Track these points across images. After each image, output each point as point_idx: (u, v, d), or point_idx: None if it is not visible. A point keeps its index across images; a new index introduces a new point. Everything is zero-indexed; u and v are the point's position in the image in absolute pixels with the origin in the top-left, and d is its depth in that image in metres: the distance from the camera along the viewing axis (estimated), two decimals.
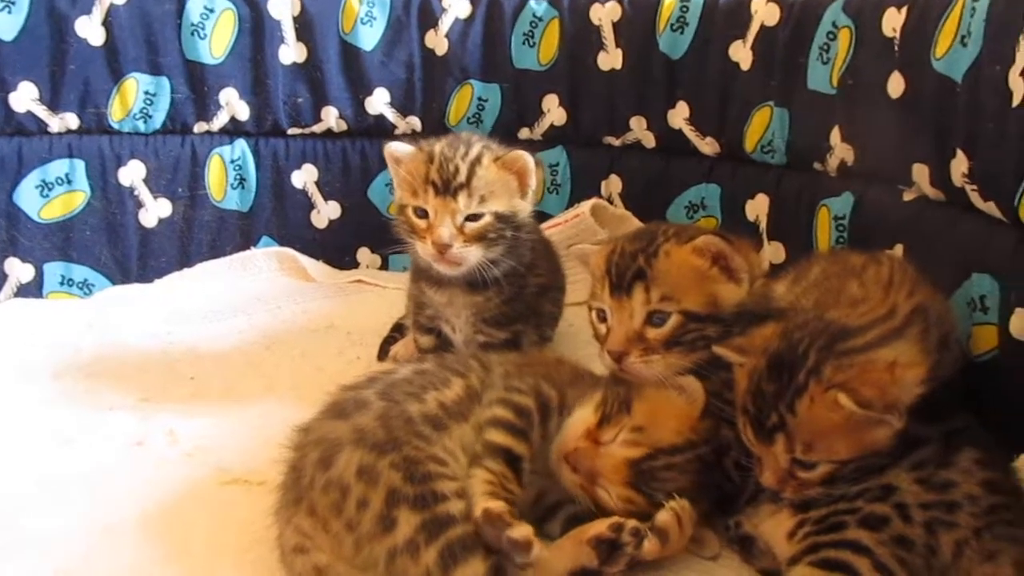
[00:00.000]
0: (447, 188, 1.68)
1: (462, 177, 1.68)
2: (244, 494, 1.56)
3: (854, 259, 1.58)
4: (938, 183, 1.69)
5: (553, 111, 2.44)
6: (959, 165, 1.61)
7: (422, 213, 1.72)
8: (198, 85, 2.38)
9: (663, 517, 1.33)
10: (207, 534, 1.47)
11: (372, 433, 1.34)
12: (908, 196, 1.80)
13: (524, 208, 1.77)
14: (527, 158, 1.73)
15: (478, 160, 1.71)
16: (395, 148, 1.77)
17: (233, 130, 2.46)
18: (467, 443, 1.38)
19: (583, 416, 1.42)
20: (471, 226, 1.70)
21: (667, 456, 1.38)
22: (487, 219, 1.70)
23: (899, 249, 1.78)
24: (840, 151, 1.95)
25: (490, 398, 1.42)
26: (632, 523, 1.31)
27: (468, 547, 1.23)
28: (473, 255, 1.71)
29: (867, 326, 1.32)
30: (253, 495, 1.53)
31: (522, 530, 1.25)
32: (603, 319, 1.52)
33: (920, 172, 1.73)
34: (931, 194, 1.73)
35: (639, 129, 2.36)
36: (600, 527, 1.31)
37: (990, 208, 1.56)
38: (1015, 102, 1.44)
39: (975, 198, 1.59)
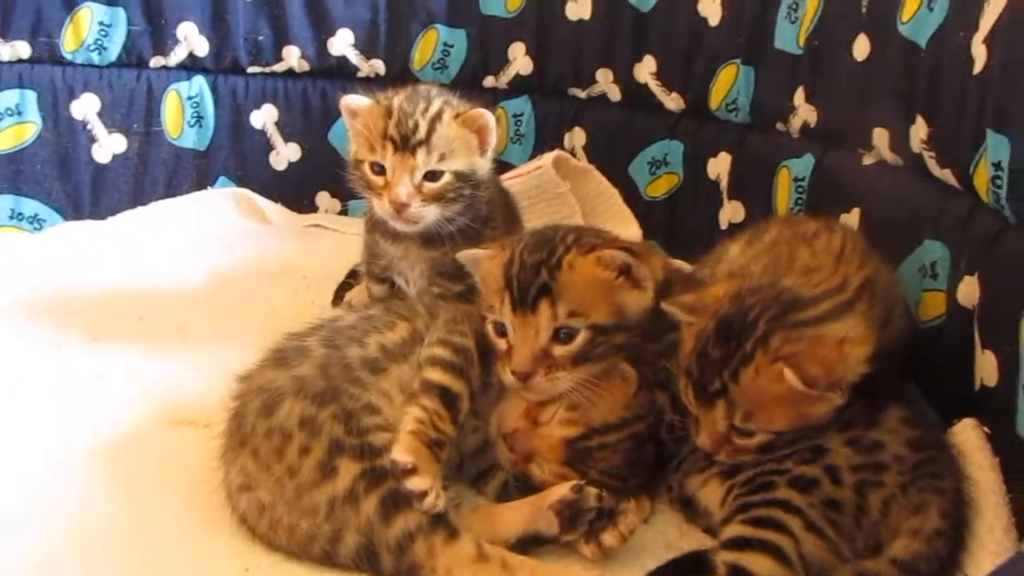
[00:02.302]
0: (406, 144, 1.65)
1: (421, 133, 1.65)
2: (190, 435, 1.56)
3: (807, 225, 1.58)
4: (897, 148, 1.69)
5: (519, 60, 2.40)
6: (918, 131, 1.61)
7: (379, 169, 1.69)
8: (155, 17, 2.32)
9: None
10: (149, 474, 1.48)
11: (312, 383, 1.34)
12: (867, 160, 1.80)
13: (483, 166, 1.75)
14: (488, 116, 1.70)
15: (438, 116, 1.68)
16: (351, 101, 1.73)
17: (191, 66, 2.40)
18: (405, 382, 1.38)
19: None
20: (429, 186, 1.67)
21: (601, 435, 1.38)
22: (446, 178, 1.68)
23: (856, 212, 1.78)
24: (803, 112, 1.94)
25: (432, 338, 1.41)
26: (593, 489, 1.31)
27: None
28: (431, 213, 1.69)
29: (819, 297, 1.32)
30: (198, 437, 1.53)
31: (420, 482, 1.23)
32: (502, 334, 1.41)
33: (880, 136, 1.73)
34: (890, 159, 1.73)
35: (605, 82, 2.33)
36: (562, 491, 1.31)
37: (946, 176, 1.56)
38: (976, 70, 1.43)
39: (932, 165, 1.59)
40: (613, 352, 1.40)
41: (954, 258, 1.52)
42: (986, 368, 1.39)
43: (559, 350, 1.37)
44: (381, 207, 1.69)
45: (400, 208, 1.66)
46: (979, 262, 1.45)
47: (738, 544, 1.23)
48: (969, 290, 1.47)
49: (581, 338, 1.37)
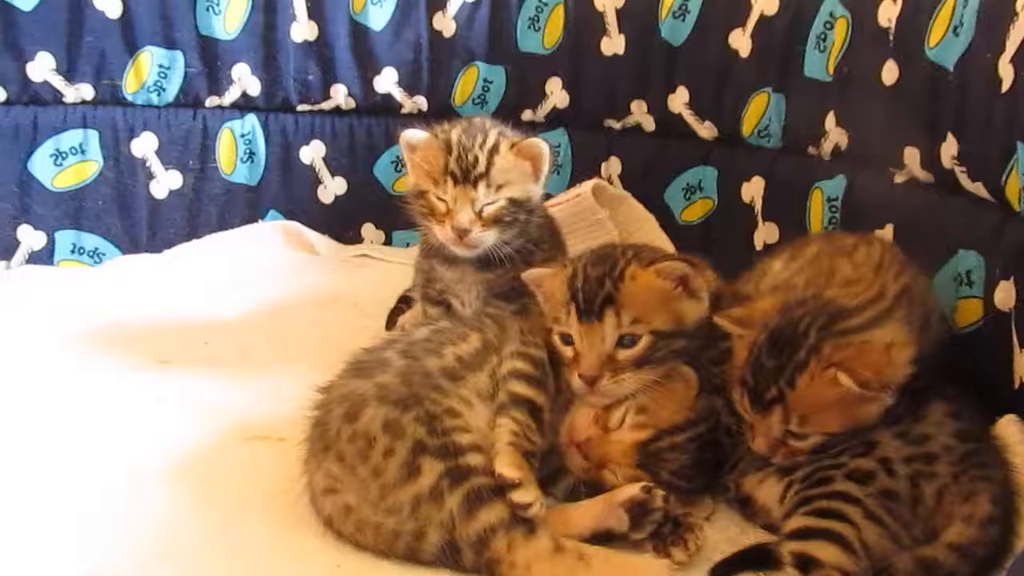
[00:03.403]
0: (467, 178, 1.74)
1: (481, 167, 1.74)
2: (266, 449, 1.63)
3: (846, 240, 1.66)
4: (928, 165, 1.78)
5: (556, 94, 2.51)
6: (949, 148, 1.70)
7: (441, 199, 1.77)
8: (211, 60, 2.44)
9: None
10: (232, 485, 1.53)
11: (395, 390, 1.41)
12: (899, 178, 1.89)
13: (537, 192, 1.84)
14: (542, 146, 1.79)
15: (495, 149, 1.76)
16: (410, 136, 1.82)
17: (244, 105, 2.52)
18: (482, 389, 1.46)
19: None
20: (488, 210, 1.76)
21: (670, 436, 1.45)
22: (503, 203, 1.76)
23: (889, 229, 1.87)
24: (834, 135, 2.04)
25: (508, 351, 1.49)
26: (661, 491, 1.38)
27: (492, 491, 1.31)
28: (490, 238, 1.77)
29: (861, 307, 1.40)
30: (275, 450, 1.60)
31: (525, 494, 1.31)
32: (568, 342, 1.51)
33: (911, 155, 1.82)
34: (921, 176, 1.82)
35: (639, 112, 2.43)
36: (632, 490, 1.38)
37: (977, 188, 1.65)
38: (1004, 88, 1.53)
39: (963, 179, 1.68)
40: (672, 356, 1.49)
41: (988, 266, 1.61)
42: None
43: (623, 354, 1.47)
44: (443, 234, 1.78)
45: (462, 234, 1.75)
46: (1014, 268, 1.53)
47: (803, 534, 1.29)
48: (1005, 294, 1.55)
49: (643, 343, 1.47)
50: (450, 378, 1.45)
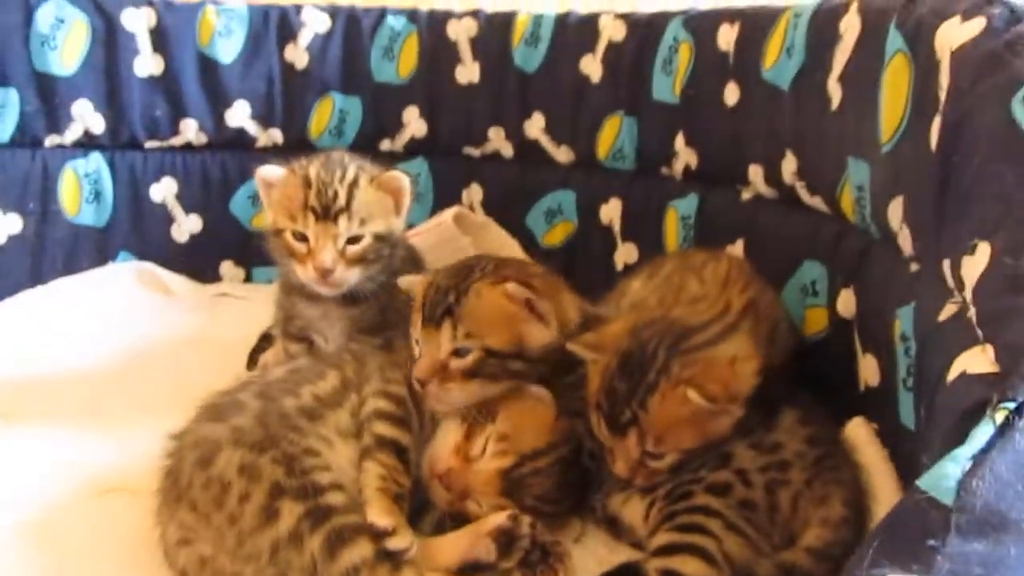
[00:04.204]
0: (327, 213, 1.71)
1: (342, 201, 1.71)
2: (119, 502, 1.54)
3: (697, 257, 1.71)
4: (771, 182, 1.86)
5: (413, 123, 2.50)
6: (789, 164, 1.78)
7: (301, 237, 1.73)
8: (49, 97, 2.32)
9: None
10: (85, 543, 1.45)
11: (250, 432, 1.37)
12: (746, 195, 1.96)
13: (399, 226, 1.82)
14: (403, 179, 1.77)
15: (355, 183, 1.73)
16: (267, 173, 1.77)
17: (87, 143, 2.41)
18: (342, 427, 1.43)
19: (450, 429, 1.48)
20: (352, 249, 1.73)
21: (532, 461, 1.45)
22: (367, 241, 1.74)
23: (740, 244, 1.94)
24: (684, 155, 2.10)
25: (370, 389, 1.47)
26: (527, 517, 1.37)
27: (354, 531, 1.27)
28: (353, 276, 1.74)
29: (706, 323, 1.43)
30: (129, 503, 1.51)
31: (400, 541, 1.30)
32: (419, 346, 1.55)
33: (755, 172, 1.89)
34: (765, 192, 1.90)
35: (497, 139, 2.45)
36: (499, 519, 1.37)
37: (816, 202, 1.73)
38: (834, 106, 1.61)
39: (803, 194, 1.76)
40: (509, 376, 1.50)
41: (831, 275, 1.68)
42: (868, 370, 1.54)
43: (455, 364, 1.48)
44: (305, 273, 1.73)
45: (325, 274, 1.71)
46: (853, 276, 1.60)
47: (667, 550, 1.31)
48: (847, 302, 1.62)
49: (473, 356, 1.48)
50: (308, 417, 1.41)
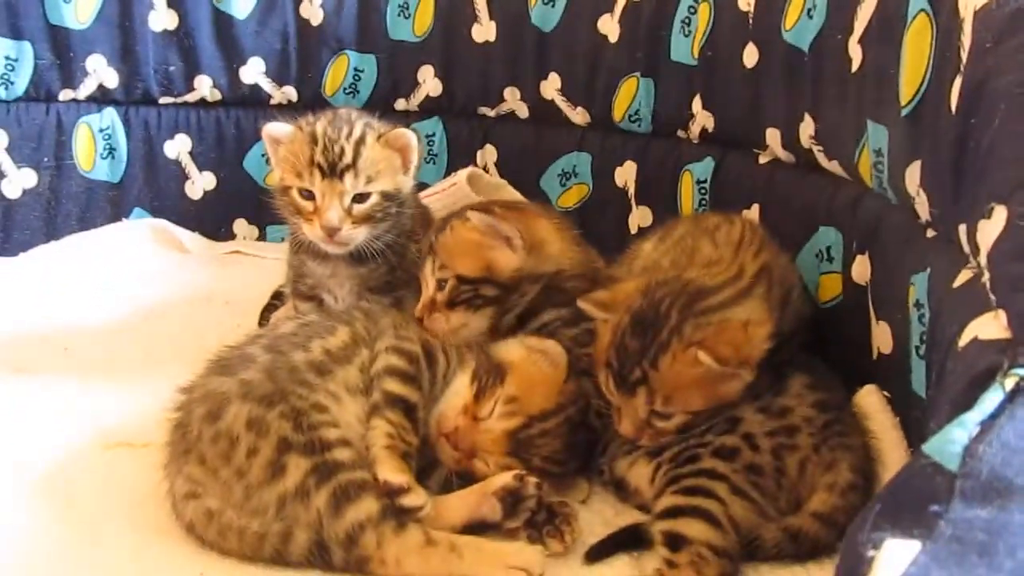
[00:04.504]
0: (333, 170, 1.69)
1: (348, 158, 1.69)
2: (129, 456, 1.56)
3: (710, 220, 1.69)
4: (788, 145, 1.83)
5: (428, 82, 2.48)
6: (807, 128, 1.75)
7: (308, 195, 1.72)
8: (63, 51, 2.32)
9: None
10: (93, 496, 1.46)
11: (259, 386, 1.36)
12: (763, 159, 1.94)
13: (407, 184, 1.80)
14: (410, 136, 1.76)
15: (362, 140, 1.72)
16: (273, 129, 1.76)
17: (101, 98, 2.41)
18: (351, 383, 1.42)
19: (459, 390, 1.47)
20: (359, 208, 1.72)
21: (540, 422, 1.44)
22: (374, 199, 1.72)
23: (755, 209, 1.91)
24: (701, 118, 2.07)
25: (382, 345, 1.46)
26: (533, 478, 1.37)
27: (360, 487, 1.28)
28: (361, 235, 1.73)
29: (720, 286, 1.42)
30: (138, 457, 1.53)
31: (415, 498, 1.30)
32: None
33: (773, 136, 1.86)
34: (782, 156, 1.87)
35: (513, 100, 2.43)
36: (505, 479, 1.37)
37: (834, 166, 1.70)
38: (854, 68, 1.57)
39: (821, 158, 1.73)
40: (487, 303, 1.62)
41: (846, 241, 1.66)
42: (881, 337, 1.52)
43: (438, 296, 1.64)
44: (312, 231, 1.72)
45: (332, 232, 1.70)
46: (868, 242, 1.58)
47: (672, 513, 1.31)
48: (861, 269, 1.60)
49: (448, 285, 1.63)
50: (317, 372, 1.41)
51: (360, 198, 1.72)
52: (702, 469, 1.35)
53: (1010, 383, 0.78)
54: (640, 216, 2.25)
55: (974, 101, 1.10)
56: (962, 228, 1.10)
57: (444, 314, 1.61)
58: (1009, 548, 0.64)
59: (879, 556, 0.66)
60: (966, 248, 1.10)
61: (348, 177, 1.70)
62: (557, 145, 2.39)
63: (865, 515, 0.73)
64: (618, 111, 2.25)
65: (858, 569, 0.66)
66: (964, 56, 1.15)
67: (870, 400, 1.49)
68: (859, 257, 1.60)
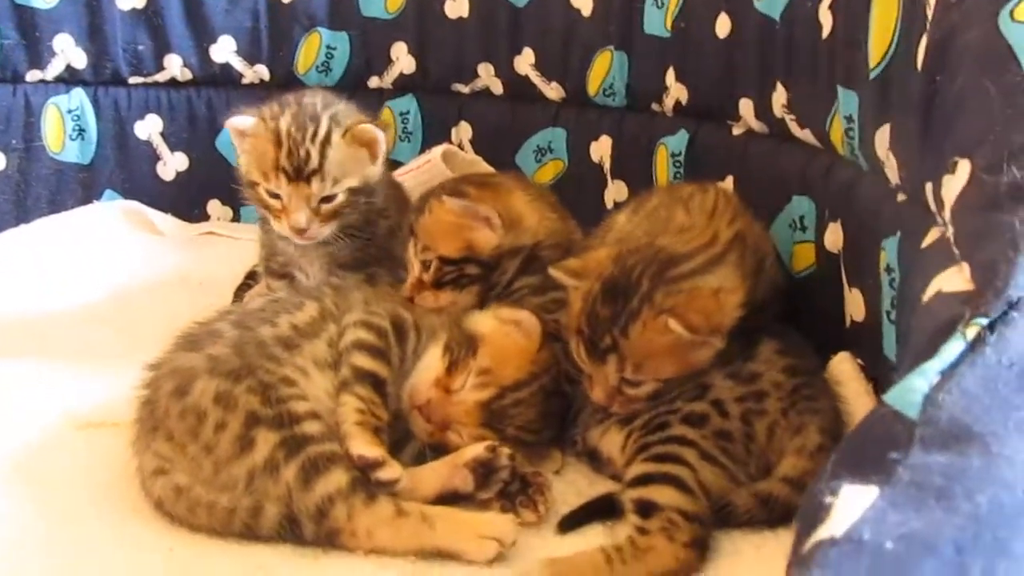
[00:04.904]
0: (299, 174, 1.67)
1: (314, 163, 1.67)
2: (100, 436, 1.54)
3: (684, 189, 1.68)
4: (761, 115, 1.82)
5: (402, 59, 2.45)
6: (779, 97, 1.74)
7: (275, 195, 1.71)
8: (29, 31, 2.28)
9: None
10: (62, 476, 1.45)
11: (226, 361, 1.36)
12: (736, 130, 1.93)
13: (376, 173, 1.78)
14: (376, 132, 1.73)
15: (327, 140, 1.69)
16: (238, 123, 1.73)
17: (69, 79, 2.37)
18: (319, 358, 1.42)
19: (431, 363, 1.47)
20: (327, 207, 1.71)
21: (514, 392, 1.44)
22: (341, 198, 1.71)
23: (729, 180, 1.90)
24: (675, 91, 2.06)
25: (350, 319, 1.45)
26: (506, 449, 1.37)
27: (329, 460, 1.27)
28: (329, 228, 1.73)
29: (692, 252, 1.41)
30: (109, 436, 1.51)
31: (391, 471, 1.30)
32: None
33: (746, 106, 1.86)
34: (756, 127, 1.86)
35: (487, 76, 2.41)
36: (477, 450, 1.36)
37: (806, 136, 1.70)
38: (824, 34, 1.57)
39: (793, 127, 1.73)
40: (472, 281, 1.65)
41: (819, 210, 1.66)
42: (854, 305, 1.52)
43: (425, 276, 1.66)
44: (280, 228, 1.72)
45: (300, 232, 1.70)
46: (840, 210, 1.58)
47: (642, 480, 1.31)
48: (834, 236, 1.60)
49: (433, 267, 1.64)
50: (285, 347, 1.40)
51: (328, 199, 1.71)
52: (671, 436, 1.34)
53: (971, 332, 0.77)
54: (616, 191, 2.24)
55: (939, 58, 1.09)
56: (928, 186, 1.09)
57: (433, 293, 1.64)
58: (966, 492, 0.63)
59: (836, 502, 0.65)
60: (932, 205, 1.09)
61: (315, 181, 1.68)
62: (532, 121, 2.37)
63: (825, 466, 0.73)
64: (592, 86, 2.24)
65: (816, 515, 0.65)
66: (930, 13, 1.14)
67: (843, 367, 1.49)
68: (831, 225, 1.60)
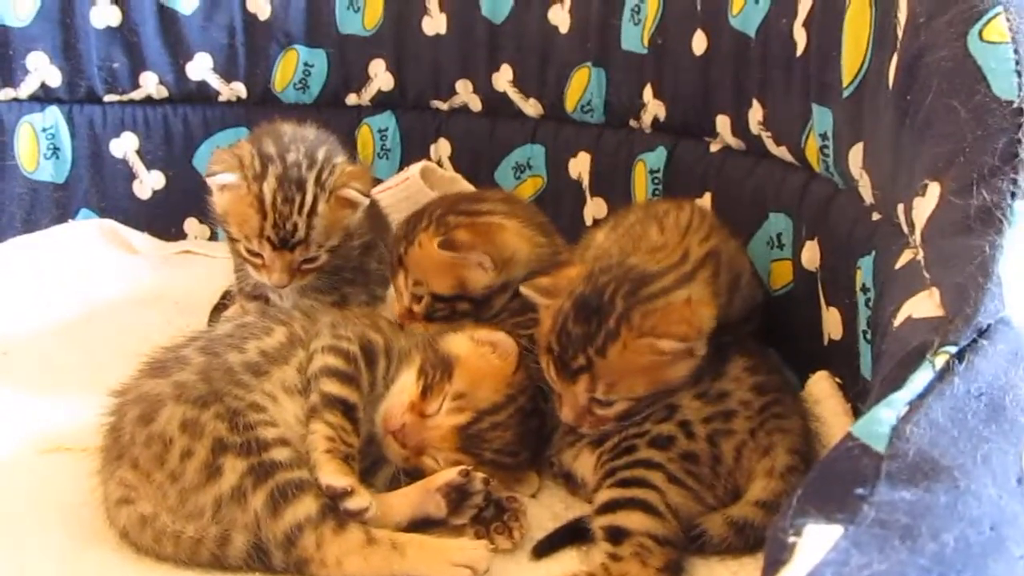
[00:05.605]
0: (285, 244, 1.67)
1: (300, 235, 1.66)
2: (64, 461, 1.51)
3: (660, 206, 1.67)
4: (738, 132, 1.81)
5: (380, 76, 2.44)
6: (755, 114, 1.73)
7: (257, 254, 1.70)
8: (2, 49, 2.25)
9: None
10: (26, 501, 1.42)
11: (193, 387, 1.33)
12: (714, 147, 1.92)
13: (356, 221, 1.77)
14: (360, 198, 1.72)
15: (314, 210, 1.67)
16: (220, 181, 1.70)
17: (44, 97, 2.34)
18: (288, 383, 1.39)
19: (405, 387, 1.44)
20: (308, 265, 1.72)
21: (491, 416, 1.42)
22: (324, 258, 1.72)
23: (707, 197, 1.89)
24: (652, 107, 2.05)
25: (318, 344, 1.43)
26: (480, 474, 1.35)
27: (298, 487, 1.24)
28: (308, 279, 1.74)
29: (663, 271, 1.40)
30: (74, 461, 1.48)
31: (359, 500, 1.27)
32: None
33: (723, 123, 1.84)
34: (733, 143, 1.85)
35: (465, 92, 2.39)
36: (450, 474, 1.34)
37: (782, 152, 1.69)
38: (799, 51, 1.56)
39: (770, 144, 1.71)
40: (462, 316, 1.64)
41: (796, 227, 1.64)
42: (831, 323, 1.51)
43: (415, 307, 1.67)
44: (259, 277, 1.73)
45: (280, 287, 1.72)
46: (817, 227, 1.57)
47: (610, 507, 1.29)
48: (811, 254, 1.59)
49: (424, 301, 1.65)
50: (253, 373, 1.38)
51: (310, 259, 1.71)
52: (638, 460, 1.33)
53: (940, 361, 0.76)
54: (595, 207, 2.22)
55: (909, 77, 1.08)
56: (900, 207, 1.08)
57: (423, 325, 1.65)
58: (932, 531, 0.61)
59: (799, 542, 0.63)
60: (904, 227, 1.08)
61: (299, 249, 1.68)
62: (510, 137, 2.36)
63: (790, 499, 0.71)
64: (570, 102, 2.22)
65: (779, 556, 0.63)
66: (900, 33, 1.13)
67: (821, 386, 1.48)
68: (808, 243, 1.59)
